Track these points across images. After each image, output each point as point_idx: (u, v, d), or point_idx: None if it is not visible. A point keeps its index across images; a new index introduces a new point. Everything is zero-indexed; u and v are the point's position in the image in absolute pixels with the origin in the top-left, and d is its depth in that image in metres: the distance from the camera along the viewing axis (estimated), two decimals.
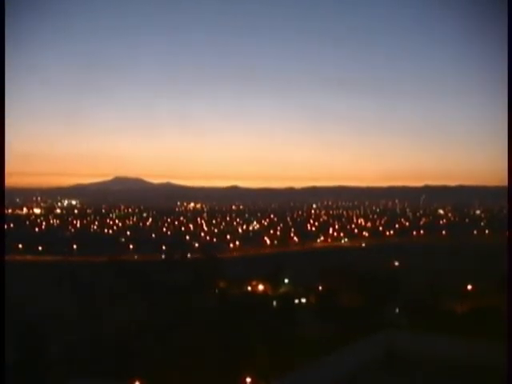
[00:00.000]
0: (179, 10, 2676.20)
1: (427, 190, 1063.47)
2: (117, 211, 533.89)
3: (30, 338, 75.80)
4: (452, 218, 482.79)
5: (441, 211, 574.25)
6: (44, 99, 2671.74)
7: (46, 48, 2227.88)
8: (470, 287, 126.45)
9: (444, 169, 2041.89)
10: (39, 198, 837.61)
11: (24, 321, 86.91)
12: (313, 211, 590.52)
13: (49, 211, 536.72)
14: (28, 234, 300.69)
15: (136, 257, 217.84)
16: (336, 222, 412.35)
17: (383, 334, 23.18)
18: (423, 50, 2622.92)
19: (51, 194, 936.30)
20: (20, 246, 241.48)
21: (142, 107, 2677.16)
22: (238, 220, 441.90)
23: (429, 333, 33.49)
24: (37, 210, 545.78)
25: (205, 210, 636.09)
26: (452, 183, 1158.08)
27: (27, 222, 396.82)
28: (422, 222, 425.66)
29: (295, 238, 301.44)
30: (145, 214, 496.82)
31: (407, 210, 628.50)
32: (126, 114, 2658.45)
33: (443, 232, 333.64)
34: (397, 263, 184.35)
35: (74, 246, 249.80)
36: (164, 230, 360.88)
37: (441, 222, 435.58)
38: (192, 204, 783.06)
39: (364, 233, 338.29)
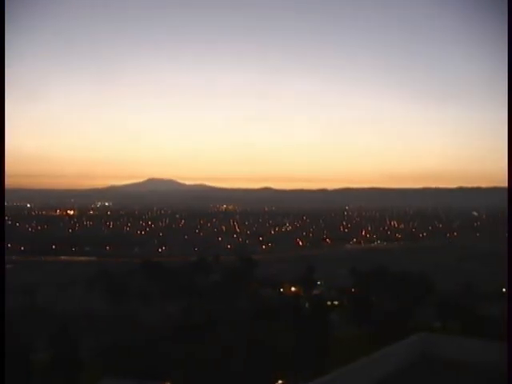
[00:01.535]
0: (198, 11, 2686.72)
1: (460, 191, 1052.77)
2: (149, 213, 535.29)
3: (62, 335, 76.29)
4: (486, 220, 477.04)
5: (475, 213, 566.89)
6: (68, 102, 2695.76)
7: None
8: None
9: (478, 170, 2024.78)
10: (72, 200, 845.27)
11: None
12: (345, 213, 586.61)
13: (82, 213, 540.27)
14: (61, 236, 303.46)
15: (169, 258, 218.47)
16: (369, 224, 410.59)
17: (418, 336, 22.95)
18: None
19: (85, 196, 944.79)
20: (53, 246, 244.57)
21: (174, 109, 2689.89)
22: (270, 222, 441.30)
23: (463, 336, 33.12)
24: (70, 212, 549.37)
25: (237, 211, 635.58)
26: (485, 185, 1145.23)
27: (61, 224, 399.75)
28: (455, 225, 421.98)
29: (328, 240, 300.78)
30: (177, 216, 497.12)
31: (440, 211, 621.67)
32: (157, 116, 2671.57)
33: (477, 234, 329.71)
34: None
35: (107, 247, 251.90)
36: (197, 231, 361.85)
37: (475, 224, 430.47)
38: (225, 206, 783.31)
39: (397, 235, 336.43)
